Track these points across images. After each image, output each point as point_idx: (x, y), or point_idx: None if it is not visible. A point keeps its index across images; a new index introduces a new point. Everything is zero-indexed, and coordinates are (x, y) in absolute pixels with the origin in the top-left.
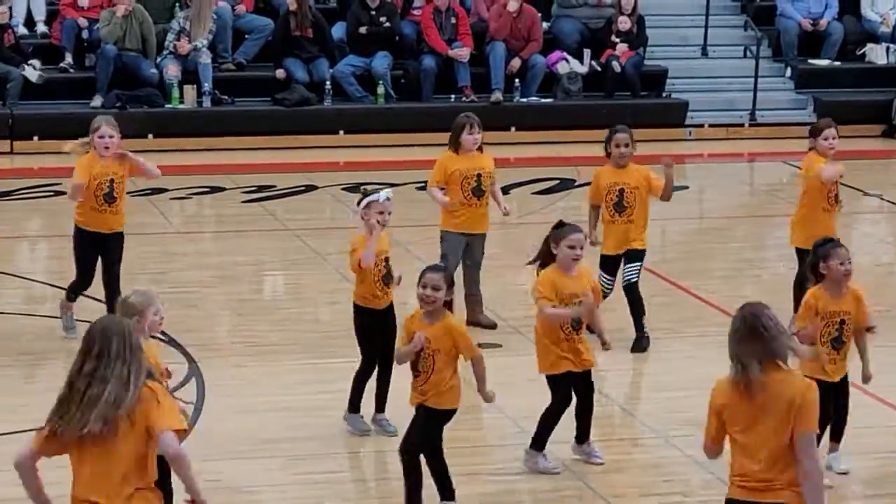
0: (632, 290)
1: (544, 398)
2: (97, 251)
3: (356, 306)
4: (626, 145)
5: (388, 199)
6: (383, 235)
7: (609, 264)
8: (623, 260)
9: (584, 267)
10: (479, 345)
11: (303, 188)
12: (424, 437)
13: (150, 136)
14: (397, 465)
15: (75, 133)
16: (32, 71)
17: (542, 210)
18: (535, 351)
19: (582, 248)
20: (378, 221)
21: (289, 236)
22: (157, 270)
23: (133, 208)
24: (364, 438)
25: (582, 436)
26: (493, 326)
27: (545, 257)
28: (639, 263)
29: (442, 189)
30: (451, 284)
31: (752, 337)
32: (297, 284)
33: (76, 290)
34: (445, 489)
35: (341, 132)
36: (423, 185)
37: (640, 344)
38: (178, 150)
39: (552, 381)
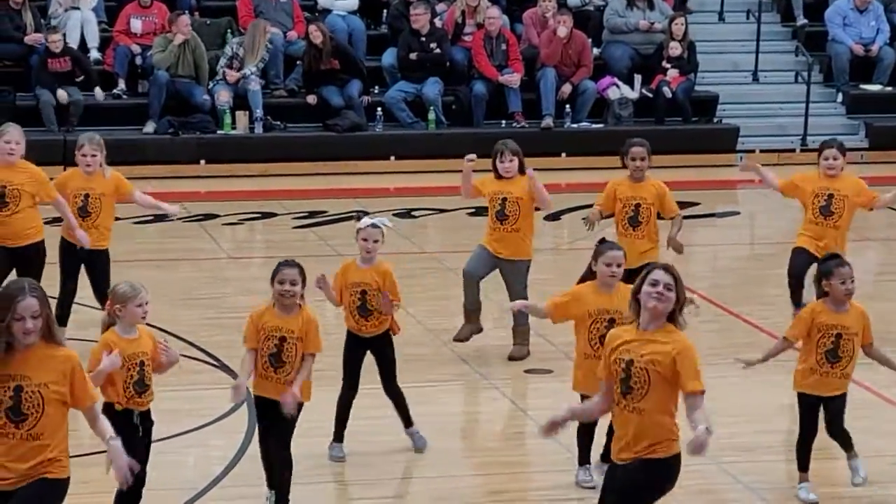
0: None
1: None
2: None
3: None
4: (643, 159)
5: (373, 226)
6: (371, 267)
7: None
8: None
9: (624, 286)
10: (529, 371)
11: (354, 214)
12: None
13: (202, 161)
14: (448, 489)
15: (127, 159)
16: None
17: (594, 236)
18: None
19: (619, 266)
20: (363, 249)
21: (340, 262)
22: (208, 295)
23: (185, 233)
24: (414, 463)
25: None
26: (519, 358)
27: (588, 275)
28: None
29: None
30: (304, 279)
31: None
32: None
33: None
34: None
35: (392, 158)
36: (473, 210)
37: None
38: (229, 175)
39: None
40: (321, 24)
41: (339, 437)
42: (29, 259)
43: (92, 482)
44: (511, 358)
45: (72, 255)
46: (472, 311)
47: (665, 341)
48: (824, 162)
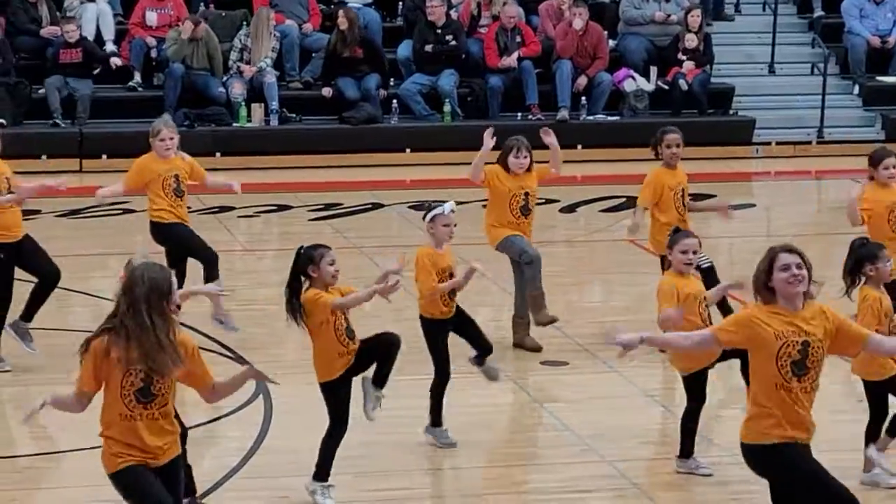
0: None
1: (611, 415)
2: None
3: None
4: (678, 145)
5: (452, 210)
6: (446, 251)
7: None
8: None
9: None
10: (545, 362)
11: (369, 206)
12: None
13: (218, 154)
14: (469, 480)
15: (142, 151)
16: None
17: (609, 228)
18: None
19: (695, 253)
20: (446, 234)
21: (355, 254)
22: (223, 288)
23: (200, 225)
24: (433, 455)
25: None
26: (538, 349)
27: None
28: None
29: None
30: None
31: None
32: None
33: None
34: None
35: (408, 150)
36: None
37: None
38: (245, 168)
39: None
40: (350, 10)
41: (436, 422)
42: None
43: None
44: (532, 349)
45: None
46: (542, 293)
47: (820, 315)
48: (884, 171)
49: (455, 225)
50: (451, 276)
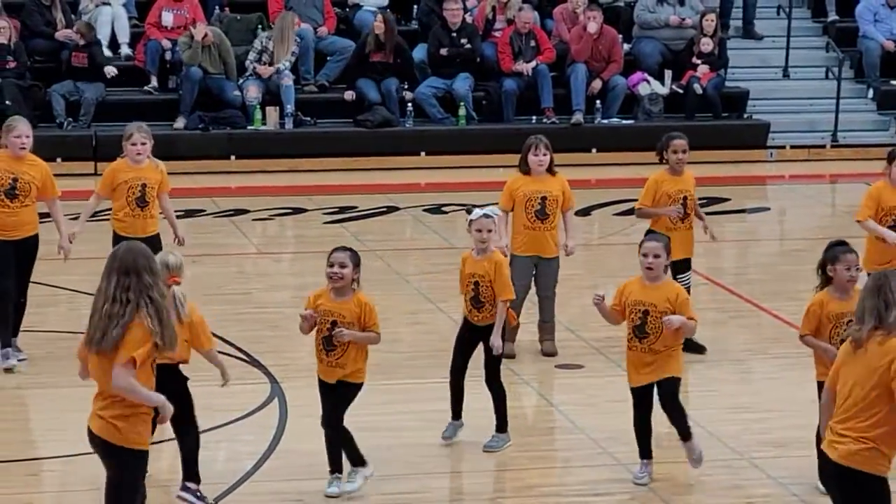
0: None
1: (625, 418)
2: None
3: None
4: (684, 151)
5: (485, 216)
6: (483, 259)
7: (679, 268)
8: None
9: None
10: (560, 366)
11: (384, 209)
12: (345, 410)
13: (233, 157)
14: (481, 484)
15: (157, 154)
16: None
17: (624, 231)
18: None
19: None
20: (476, 241)
21: (370, 257)
22: (238, 291)
23: (214, 229)
24: (448, 458)
25: None
26: (552, 354)
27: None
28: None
29: (510, 212)
30: (357, 263)
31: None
32: (378, 305)
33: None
34: (355, 457)
35: (423, 153)
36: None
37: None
38: (260, 171)
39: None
40: (388, 14)
41: (456, 414)
42: (28, 251)
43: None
44: (546, 354)
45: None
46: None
47: None
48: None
49: (489, 231)
50: (477, 285)
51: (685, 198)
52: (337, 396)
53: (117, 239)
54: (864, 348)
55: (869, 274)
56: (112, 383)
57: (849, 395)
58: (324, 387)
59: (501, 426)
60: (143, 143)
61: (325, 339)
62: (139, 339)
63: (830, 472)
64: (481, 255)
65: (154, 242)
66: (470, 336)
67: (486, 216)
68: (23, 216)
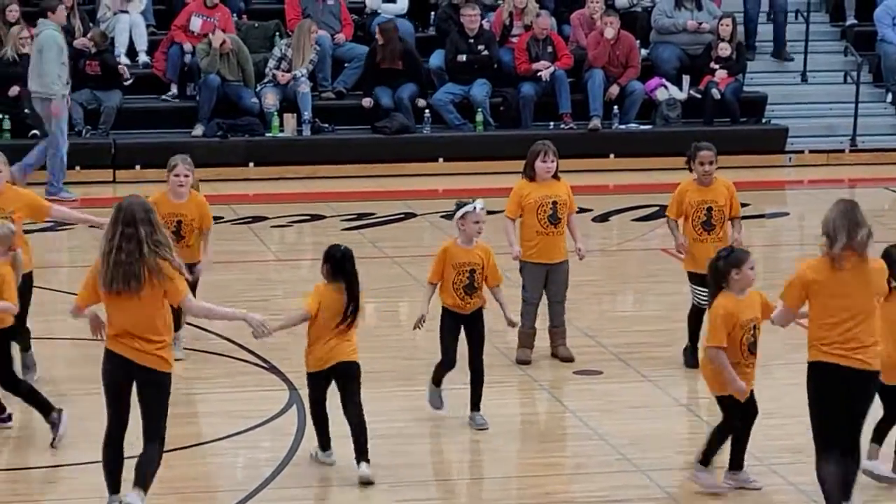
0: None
1: (644, 424)
2: None
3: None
4: (711, 162)
5: (482, 208)
6: (475, 248)
7: (700, 280)
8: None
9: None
10: (579, 372)
11: (402, 216)
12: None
13: (251, 164)
14: (499, 491)
15: None
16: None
17: (642, 237)
18: None
19: (753, 269)
20: (475, 231)
21: (388, 263)
22: (256, 298)
23: (232, 236)
24: (466, 464)
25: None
26: (570, 360)
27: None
28: None
29: (518, 219)
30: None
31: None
32: (396, 311)
33: None
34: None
35: (440, 160)
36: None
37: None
38: (278, 178)
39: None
40: (386, 24)
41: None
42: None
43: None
44: (563, 359)
45: None
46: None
47: None
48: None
49: (484, 222)
50: (473, 272)
51: (710, 208)
52: None
53: None
54: (841, 266)
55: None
56: (191, 314)
57: (847, 308)
58: None
59: (476, 405)
60: (187, 175)
61: None
62: (172, 273)
63: (857, 381)
64: (470, 245)
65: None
66: (458, 325)
67: (483, 208)
68: None
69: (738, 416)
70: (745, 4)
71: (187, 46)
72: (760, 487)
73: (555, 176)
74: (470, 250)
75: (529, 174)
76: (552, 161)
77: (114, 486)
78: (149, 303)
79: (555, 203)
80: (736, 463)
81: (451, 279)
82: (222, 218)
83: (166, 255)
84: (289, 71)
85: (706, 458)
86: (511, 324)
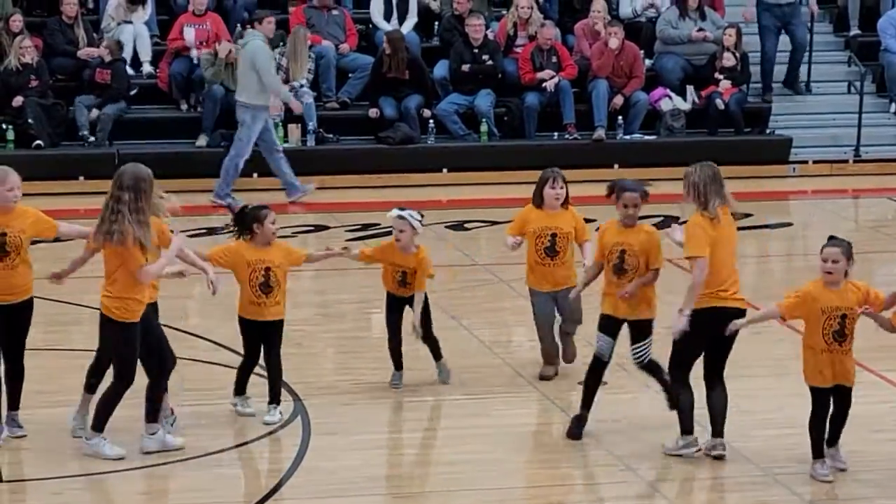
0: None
1: (649, 435)
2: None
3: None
4: (636, 205)
5: (399, 216)
6: (412, 255)
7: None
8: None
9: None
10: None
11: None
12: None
13: (255, 175)
14: (507, 500)
15: (180, 173)
16: None
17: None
18: None
19: (835, 263)
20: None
21: None
22: None
23: None
24: (470, 475)
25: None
26: (571, 360)
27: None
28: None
29: (518, 238)
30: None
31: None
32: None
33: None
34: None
35: (444, 170)
36: None
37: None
38: (282, 188)
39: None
40: (393, 33)
41: (398, 366)
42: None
43: None
44: (566, 361)
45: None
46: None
47: None
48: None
49: (402, 231)
50: (405, 273)
51: (623, 251)
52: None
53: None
54: (718, 220)
55: None
56: (150, 278)
57: (725, 263)
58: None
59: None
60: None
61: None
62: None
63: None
64: (406, 252)
65: None
66: (399, 308)
67: (400, 217)
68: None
69: (826, 406)
70: (763, 45)
71: (193, 54)
72: (846, 468)
73: (564, 204)
74: (407, 256)
75: (537, 202)
76: (561, 188)
77: None
78: (111, 259)
79: (553, 235)
80: (832, 439)
81: (390, 275)
82: (225, 229)
83: (139, 220)
84: (286, 81)
85: (816, 451)
86: (414, 329)
